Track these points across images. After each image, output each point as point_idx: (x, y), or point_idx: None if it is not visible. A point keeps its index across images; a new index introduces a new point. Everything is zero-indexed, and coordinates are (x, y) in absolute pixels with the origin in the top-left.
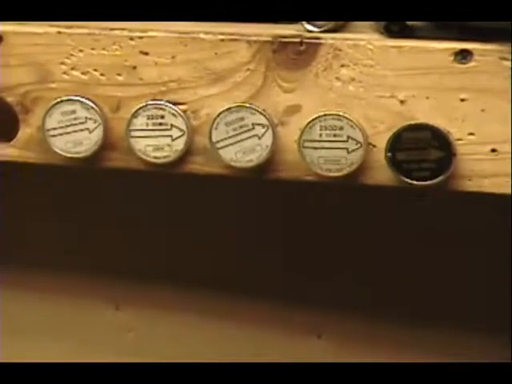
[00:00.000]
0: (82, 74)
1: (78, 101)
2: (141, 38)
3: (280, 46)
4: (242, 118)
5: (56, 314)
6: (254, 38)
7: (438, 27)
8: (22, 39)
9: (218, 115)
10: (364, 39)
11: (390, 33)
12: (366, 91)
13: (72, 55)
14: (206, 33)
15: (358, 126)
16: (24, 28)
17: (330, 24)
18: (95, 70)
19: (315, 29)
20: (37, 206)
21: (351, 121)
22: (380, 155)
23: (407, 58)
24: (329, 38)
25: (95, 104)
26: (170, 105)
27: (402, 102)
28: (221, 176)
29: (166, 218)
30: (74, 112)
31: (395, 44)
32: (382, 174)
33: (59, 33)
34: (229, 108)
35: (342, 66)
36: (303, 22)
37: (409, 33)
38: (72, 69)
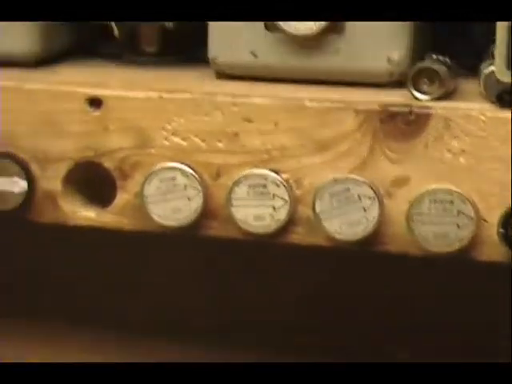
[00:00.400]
0: (183, 139)
1: (178, 168)
2: (244, 104)
3: (388, 115)
4: (348, 189)
5: None
6: (362, 108)
7: None
8: (122, 103)
9: (323, 186)
10: (475, 109)
11: (502, 102)
12: (478, 163)
13: (173, 120)
14: (311, 100)
15: (469, 201)
16: (125, 93)
17: (440, 91)
18: (196, 135)
19: (424, 97)
20: None
21: (462, 195)
22: (492, 230)
23: None
24: (439, 108)
25: (195, 171)
26: (273, 174)
27: None
28: (323, 248)
29: None
30: (173, 179)
31: (508, 115)
32: (493, 249)
33: (161, 98)
34: (334, 179)
35: (453, 137)
36: (411, 89)
37: None
38: (172, 134)
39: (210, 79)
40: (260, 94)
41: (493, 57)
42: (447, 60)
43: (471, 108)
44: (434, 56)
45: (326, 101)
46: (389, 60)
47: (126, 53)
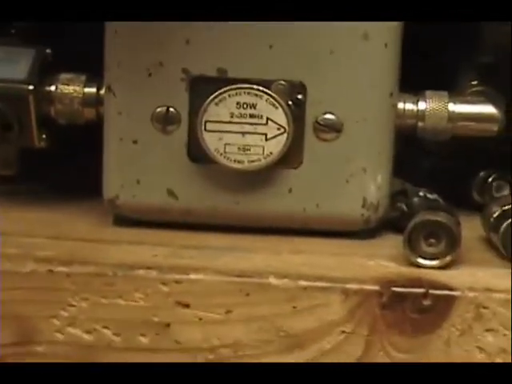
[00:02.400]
0: (86, 332)
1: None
2: (178, 282)
3: (393, 298)
4: None
5: None
6: (354, 287)
7: None
8: None
9: None
10: None
11: None
12: None
13: (71, 305)
14: (280, 276)
15: None
16: None
17: (452, 253)
18: (105, 327)
19: (431, 262)
20: None
21: None
22: None
23: None
24: (467, 289)
25: None
26: None
27: None
28: None
29: None
30: None
31: None
32: None
33: (51, 272)
34: None
35: (488, 330)
36: (412, 255)
37: None
38: (69, 325)
39: (109, 227)
40: (202, 267)
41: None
42: (439, 199)
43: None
44: (421, 193)
45: (301, 278)
46: (364, 202)
47: None
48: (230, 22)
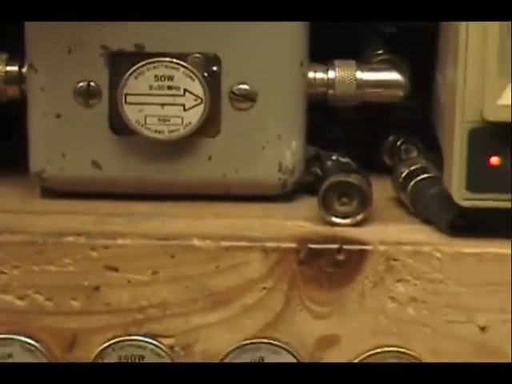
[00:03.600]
0: (18, 298)
1: (15, 339)
2: (106, 247)
3: (309, 254)
4: (261, 358)
5: None
6: (272, 245)
7: None
8: None
9: (224, 355)
10: (428, 243)
11: (455, 230)
12: (433, 315)
13: (2, 273)
14: (203, 237)
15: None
16: None
17: (363, 212)
18: (38, 292)
19: (344, 221)
20: None
21: (413, 357)
22: None
23: (489, 269)
24: (378, 243)
25: (39, 342)
26: (150, 340)
27: (482, 328)
28: None
29: None
30: (10, 356)
31: (472, 251)
32: None
33: None
34: (239, 345)
35: (399, 280)
36: (326, 214)
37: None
38: (2, 292)
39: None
40: (129, 232)
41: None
42: (351, 162)
43: (423, 242)
44: (334, 157)
45: (223, 239)
46: (280, 167)
47: None
48: None
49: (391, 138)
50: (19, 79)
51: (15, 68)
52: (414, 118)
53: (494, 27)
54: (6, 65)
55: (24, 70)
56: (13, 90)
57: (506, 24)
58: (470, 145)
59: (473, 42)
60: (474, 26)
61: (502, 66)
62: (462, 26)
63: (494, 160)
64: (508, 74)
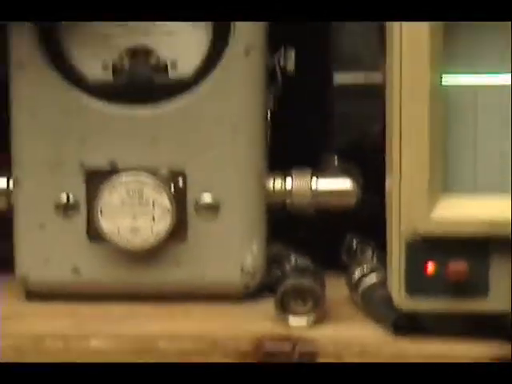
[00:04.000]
0: None
1: None
2: (76, 348)
3: (266, 355)
4: None
5: None
6: (232, 345)
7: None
8: None
9: None
10: (374, 344)
11: (399, 330)
12: None
13: None
14: (169, 339)
15: None
16: None
17: (317, 312)
18: None
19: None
20: None
21: None
22: None
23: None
24: (329, 343)
25: None
26: None
27: None
28: None
29: None
30: None
31: (415, 351)
32: None
33: None
34: None
35: None
36: (283, 314)
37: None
38: None
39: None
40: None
41: (361, 252)
42: (309, 264)
43: (367, 342)
44: (292, 258)
45: (186, 339)
46: (243, 271)
47: None
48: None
49: (347, 238)
50: (6, 193)
51: (3, 182)
52: (374, 214)
53: (423, 144)
54: None
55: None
56: (1, 202)
57: (437, 139)
58: (407, 253)
59: (406, 157)
60: (407, 139)
61: (433, 180)
62: (395, 137)
63: (430, 267)
64: (439, 189)
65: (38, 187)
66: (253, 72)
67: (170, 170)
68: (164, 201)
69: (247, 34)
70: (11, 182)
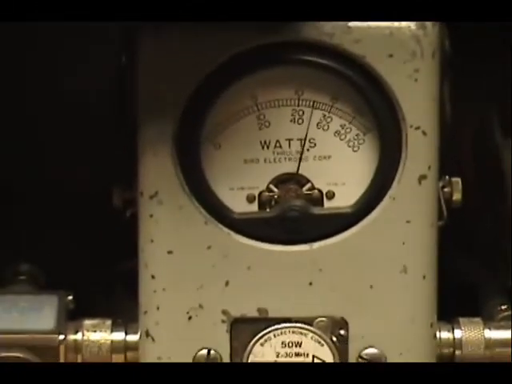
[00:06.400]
0: None
1: None
2: None
3: None
4: None
5: None
6: None
7: None
8: None
9: None
10: None
11: None
12: None
13: None
14: None
15: None
16: None
17: None
18: None
19: None
20: None
21: None
22: None
23: None
24: None
25: None
26: None
27: None
28: None
29: None
30: None
31: None
32: None
33: None
34: None
35: None
36: None
37: None
38: None
39: None
40: None
41: None
42: None
43: None
44: None
45: None
46: None
47: None
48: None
49: None
50: (125, 347)
51: (121, 334)
52: None
53: None
54: (112, 331)
55: (131, 336)
56: (118, 358)
57: None
58: None
59: None
60: None
61: None
62: None
63: None
64: None
65: (173, 340)
66: (426, 202)
67: (329, 319)
68: (325, 354)
69: (422, 157)
70: (131, 336)
